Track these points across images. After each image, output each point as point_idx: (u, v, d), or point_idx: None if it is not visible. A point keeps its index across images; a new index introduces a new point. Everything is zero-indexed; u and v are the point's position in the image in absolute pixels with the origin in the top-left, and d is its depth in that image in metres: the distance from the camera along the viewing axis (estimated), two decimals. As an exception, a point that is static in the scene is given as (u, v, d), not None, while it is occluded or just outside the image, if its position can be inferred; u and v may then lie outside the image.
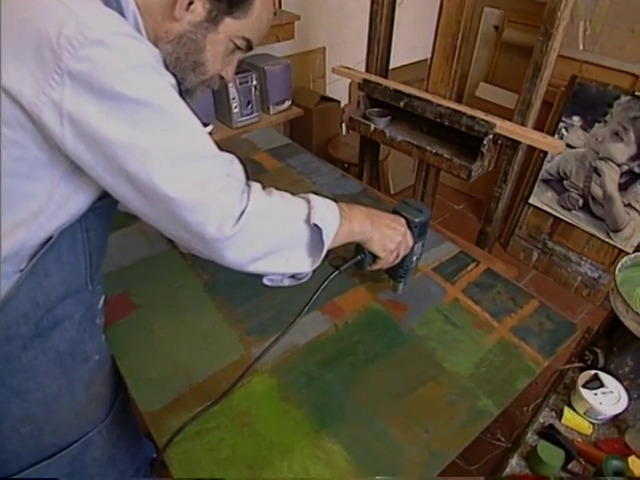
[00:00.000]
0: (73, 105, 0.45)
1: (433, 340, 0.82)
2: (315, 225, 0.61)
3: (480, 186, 2.44)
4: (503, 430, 1.18)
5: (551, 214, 1.97)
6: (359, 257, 0.76)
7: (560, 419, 0.77)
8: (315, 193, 0.66)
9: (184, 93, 0.62)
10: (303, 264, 0.64)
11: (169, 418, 0.68)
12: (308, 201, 0.63)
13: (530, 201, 2.01)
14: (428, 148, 1.33)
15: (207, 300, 0.88)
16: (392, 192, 2.49)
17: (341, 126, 2.37)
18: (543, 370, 0.78)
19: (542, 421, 0.78)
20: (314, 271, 0.67)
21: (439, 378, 0.75)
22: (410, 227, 0.76)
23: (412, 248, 0.78)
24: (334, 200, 0.67)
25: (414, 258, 0.80)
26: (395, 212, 0.77)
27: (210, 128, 1.74)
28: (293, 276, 0.69)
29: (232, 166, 0.57)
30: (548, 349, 0.81)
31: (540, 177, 1.94)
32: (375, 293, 0.91)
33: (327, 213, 0.63)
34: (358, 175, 1.80)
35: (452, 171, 1.28)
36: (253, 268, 0.59)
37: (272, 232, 0.58)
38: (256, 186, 0.59)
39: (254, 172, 1.31)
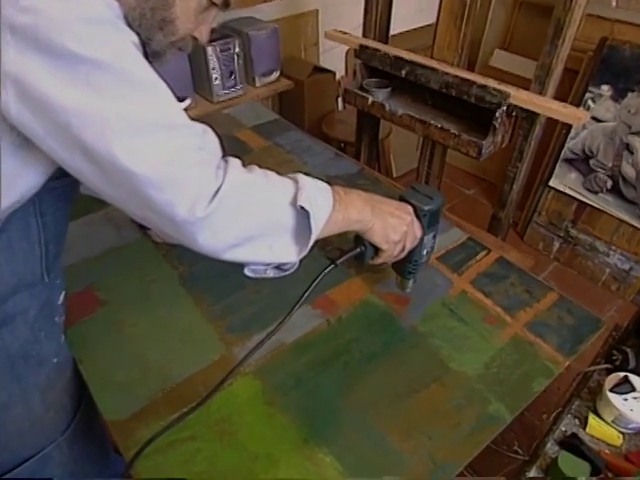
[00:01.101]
0: (16, 65, 0.44)
1: (438, 337, 0.82)
2: (302, 209, 0.60)
3: (494, 168, 2.43)
4: (521, 441, 1.19)
5: (575, 198, 1.97)
6: (358, 249, 0.75)
7: (584, 428, 0.77)
8: (306, 175, 0.65)
9: (151, 56, 0.61)
10: (288, 253, 0.63)
11: (138, 428, 0.68)
12: (296, 181, 0.62)
13: (551, 184, 2.01)
14: (433, 123, 1.32)
15: (183, 294, 0.88)
16: (395, 175, 2.49)
17: (337, 101, 2.36)
18: (564, 371, 0.78)
19: (564, 430, 0.78)
20: (301, 261, 0.67)
21: (444, 379, 0.75)
22: (418, 216, 0.75)
23: (421, 240, 0.77)
24: (328, 183, 0.66)
25: (424, 252, 0.79)
26: (402, 199, 0.76)
27: (187, 103, 1.72)
28: (278, 267, 0.69)
29: (205, 138, 0.56)
30: (569, 347, 0.81)
31: (562, 156, 1.94)
32: (373, 285, 0.91)
33: (317, 196, 0.62)
34: (355, 155, 1.79)
35: (460, 149, 1.28)
36: (231, 256, 0.59)
37: (252, 214, 0.58)
38: (234, 162, 0.58)
39: (237, 152, 1.30)
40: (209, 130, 0.58)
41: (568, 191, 1.98)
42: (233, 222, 0.56)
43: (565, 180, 1.97)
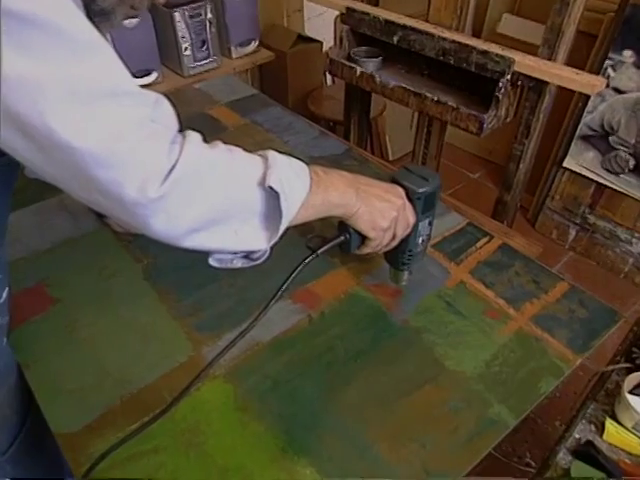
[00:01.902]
0: None
1: (432, 333, 0.82)
2: (272, 189, 0.60)
3: (502, 148, 2.44)
4: (534, 453, 1.20)
5: (592, 180, 1.97)
6: (342, 237, 0.74)
7: (601, 434, 0.78)
8: (302, 160, 0.65)
9: (97, 15, 0.59)
10: (257, 239, 0.63)
11: (92, 441, 0.68)
12: (265, 159, 0.61)
13: (565, 164, 2.01)
14: (428, 95, 1.32)
15: (147, 289, 0.88)
16: (391, 158, 2.49)
17: (325, 75, 2.35)
18: (578, 372, 0.78)
19: (577, 437, 0.79)
20: (272, 249, 0.66)
21: (439, 380, 0.75)
22: (411, 199, 0.74)
23: (415, 227, 0.77)
24: (305, 162, 0.66)
25: (419, 240, 0.79)
26: (393, 181, 0.75)
27: (154, 77, 1.71)
28: (247, 255, 0.68)
29: (158, 108, 0.55)
30: (581, 343, 0.81)
31: (578, 133, 1.94)
32: (360, 276, 0.91)
33: (291, 176, 0.61)
34: (345, 136, 1.79)
35: (459, 124, 1.28)
36: (191, 243, 0.58)
37: (213, 196, 0.57)
38: (193, 136, 0.57)
39: (209, 131, 1.29)
40: (163, 99, 0.57)
41: (585, 172, 1.98)
42: (191, 204, 0.55)
43: (581, 160, 1.97)
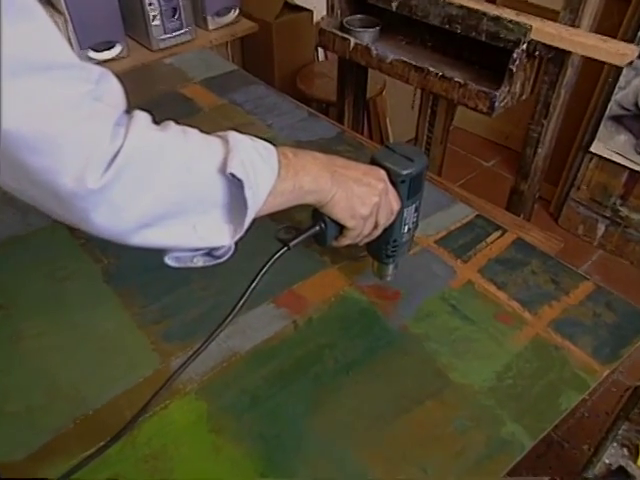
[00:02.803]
0: None
1: (435, 340, 0.82)
2: (234, 177, 0.59)
3: (519, 132, 2.45)
4: (563, 483, 1.19)
5: (625, 167, 1.98)
6: (317, 228, 0.74)
7: (635, 459, 0.77)
8: (269, 141, 0.64)
9: None
10: (219, 234, 0.63)
11: (41, 470, 0.67)
12: (226, 141, 0.61)
13: (592, 149, 2.02)
14: (432, 70, 1.32)
15: (107, 294, 0.88)
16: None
17: (316, 49, 2.35)
18: (607, 386, 0.78)
19: (608, 462, 0.79)
20: (236, 244, 0.66)
21: (444, 394, 0.75)
22: (394, 183, 0.75)
23: (399, 214, 0.77)
24: (272, 143, 0.65)
25: (405, 228, 0.80)
26: (373, 162, 0.76)
27: (117, 51, 1.71)
28: (209, 252, 0.68)
29: (103, 85, 0.55)
30: (608, 352, 0.81)
31: (608, 113, 1.94)
32: (352, 276, 0.91)
33: (255, 159, 0.61)
34: (338, 118, 1.79)
35: (467, 102, 1.28)
36: (141, 240, 0.58)
37: (165, 185, 0.56)
38: (140, 116, 0.57)
39: (181, 112, 1.30)
40: (109, 74, 0.56)
41: (616, 158, 1.98)
42: (139, 195, 0.54)
43: (612, 144, 1.98)
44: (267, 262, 0.71)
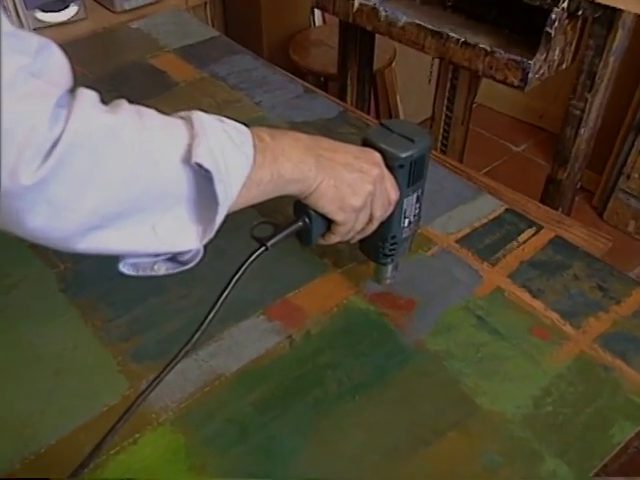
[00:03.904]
0: None
1: (458, 359, 0.82)
2: (201, 167, 0.59)
3: (556, 110, 2.45)
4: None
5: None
6: (300, 223, 0.74)
7: None
8: (242, 122, 0.64)
9: None
10: (184, 236, 0.62)
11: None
12: (190, 124, 0.61)
13: (644, 131, 2.03)
14: (452, 35, 1.32)
15: (64, 305, 0.87)
16: (406, 124, 2.50)
17: (312, 12, 2.36)
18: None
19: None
20: (205, 247, 0.65)
21: (469, 424, 0.75)
22: (391, 167, 0.75)
23: (399, 205, 0.77)
24: (245, 124, 0.65)
25: (405, 222, 0.80)
26: (366, 143, 0.76)
27: (73, 12, 1.71)
28: (173, 258, 0.68)
29: (43, 58, 0.54)
30: (668, 373, 0.81)
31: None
32: (358, 282, 0.91)
33: (226, 144, 0.60)
34: (339, 95, 1.79)
35: (494, 74, 1.28)
36: (89, 245, 0.57)
37: (117, 179, 0.55)
38: (85, 95, 0.56)
39: (152, 87, 1.31)
40: (51, 45, 0.55)
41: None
42: (85, 192, 0.53)
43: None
44: (240, 267, 0.70)
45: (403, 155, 0.74)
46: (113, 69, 1.36)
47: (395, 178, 0.75)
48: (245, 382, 0.79)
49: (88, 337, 0.84)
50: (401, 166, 0.75)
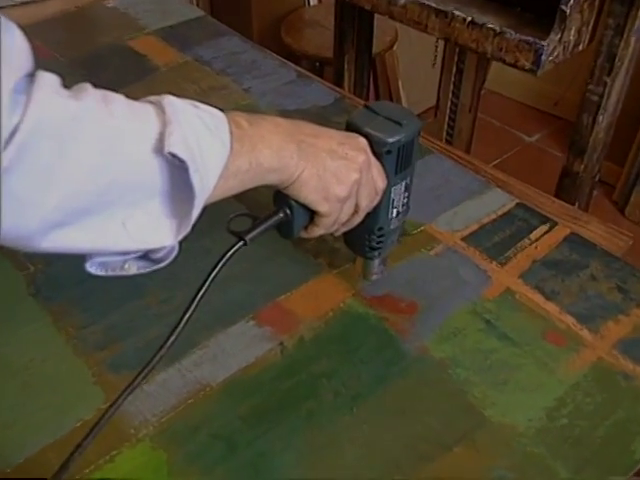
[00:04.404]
0: None
1: (465, 367, 0.82)
2: (174, 156, 0.59)
3: (573, 97, 2.45)
4: None
5: None
6: (280, 215, 0.74)
7: None
8: (216, 107, 0.64)
9: None
10: (158, 232, 0.62)
11: None
12: (161, 109, 0.61)
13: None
14: (458, 14, 1.32)
15: (34, 310, 0.87)
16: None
17: (307, -11, 2.36)
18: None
19: None
20: (180, 243, 0.65)
21: (477, 438, 0.75)
22: (378, 154, 0.75)
23: (385, 194, 0.78)
24: (220, 109, 0.65)
25: (393, 213, 0.80)
26: (350, 128, 0.76)
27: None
28: (145, 256, 0.67)
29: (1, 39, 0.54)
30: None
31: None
32: (356, 284, 0.91)
33: (202, 132, 0.61)
34: (336, 80, 1.79)
35: (504, 57, 1.28)
36: (53, 243, 0.57)
37: (82, 171, 0.55)
38: (46, 79, 0.55)
39: (129, 73, 1.31)
40: (10, 26, 0.55)
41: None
42: (47, 185, 0.53)
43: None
44: (217, 263, 0.70)
45: (390, 140, 0.75)
46: (87, 52, 1.36)
47: (382, 165, 0.76)
48: (233, 393, 0.79)
49: (60, 345, 0.83)
50: (388, 152, 0.75)
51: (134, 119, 0.59)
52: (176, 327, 0.68)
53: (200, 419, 0.77)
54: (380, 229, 0.81)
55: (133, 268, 0.68)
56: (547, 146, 2.47)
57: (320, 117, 1.19)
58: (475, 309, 0.88)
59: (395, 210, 0.81)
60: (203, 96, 1.23)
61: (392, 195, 0.79)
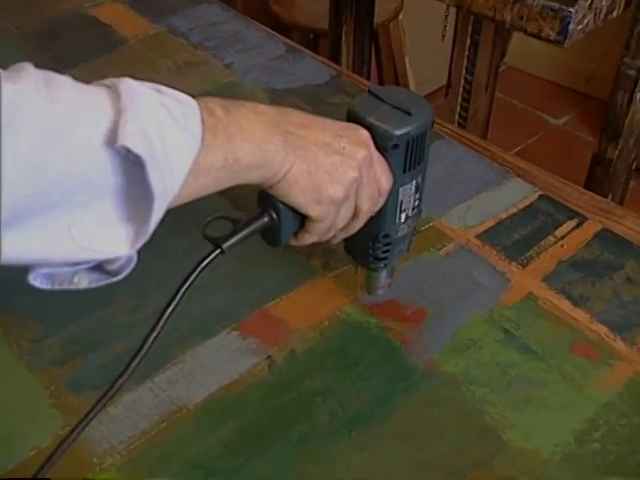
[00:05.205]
0: None
1: (480, 384, 0.82)
2: (130, 151, 0.59)
3: (606, 73, 2.45)
4: None
5: None
6: (265, 219, 0.73)
7: None
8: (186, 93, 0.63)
9: None
10: (110, 240, 0.61)
11: None
12: (117, 94, 0.60)
13: None
14: (474, -23, 1.32)
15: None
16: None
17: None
18: None
19: None
20: (139, 252, 0.64)
21: (495, 465, 0.75)
22: (383, 148, 0.74)
23: (391, 195, 0.77)
24: (191, 95, 0.64)
25: (401, 217, 0.79)
26: (351, 118, 0.75)
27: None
28: (99, 267, 0.67)
29: None
30: None
31: None
32: (355, 288, 0.91)
33: (165, 122, 0.60)
34: (332, 55, 1.80)
35: (526, 27, 1.28)
36: None
37: (21, 166, 0.55)
38: None
39: (92, 46, 1.30)
40: None
41: None
42: None
43: None
44: (189, 275, 0.69)
45: (397, 132, 0.73)
46: (44, 23, 1.36)
47: (388, 162, 0.75)
48: (212, 415, 0.79)
49: (12, 362, 0.83)
50: (395, 146, 0.74)
51: (82, 105, 0.58)
52: (139, 350, 0.68)
53: (175, 445, 0.76)
54: (386, 236, 0.80)
55: (84, 281, 0.66)
56: (576, 130, 2.47)
57: (313, 98, 1.18)
58: (492, 317, 0.88)
59: (404, 214, 0.80)
60: (178, 73, 1.23)
61: (400, 197, 0.78)
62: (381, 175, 0.75)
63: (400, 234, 0.81)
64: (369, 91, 0.77)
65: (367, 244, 0.81)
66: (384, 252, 0.81)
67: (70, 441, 0.65)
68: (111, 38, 1.32)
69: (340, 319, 0.88)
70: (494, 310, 0.89)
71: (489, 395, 0.81)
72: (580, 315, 0.89)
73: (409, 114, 0.74)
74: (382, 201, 0.77)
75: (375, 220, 0.78)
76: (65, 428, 0.77)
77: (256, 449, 0.76)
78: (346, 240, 0.82)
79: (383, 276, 0.85)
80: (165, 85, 0.63)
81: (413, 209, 0.80)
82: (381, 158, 0.74)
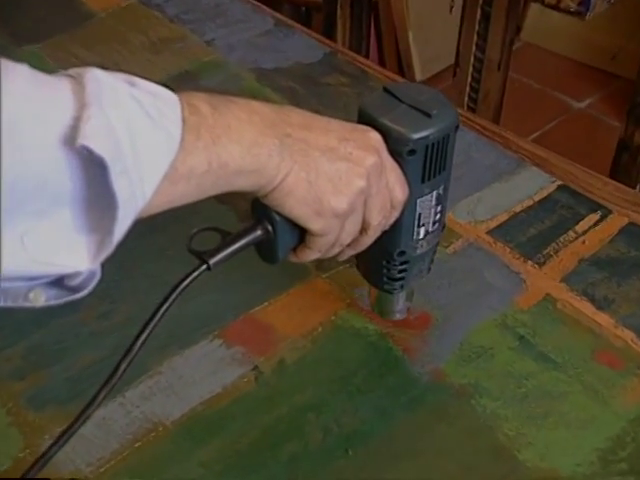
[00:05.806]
0: None
1: (493, 396, 0.82)
2: (92, 152, 0.58)
3: (634, 49, 2.46)
4: None
5: None
6: (258, 232, 0.72)
7: None
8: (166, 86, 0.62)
9: None
10: (69, 252, 0.60)
11: None
12: (81, 86, 0.60)
13: None
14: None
15: None
16: (418, 75, 2.51)
17: None
18: None
19: None
20: (103, 266, 0.64)
21: (509, 486, 0.76)
22: (397, 154, 0.73)
23: (409, 207, 0.76)
24: (170, 88, 0.62)
25: (420, 233, 0.78)
26: (362, 118, 0.74)
27: None
28: (59, 281, 0.66)
29: None
30: None
31: None
32: (351, 290, 0.92)
33: (136, 119, 0.58)
34: (325, 30, 1.80)
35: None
36: None
37: None
38: None
39: (58, 20, 1.31)
40: None
41: None
42: None
43: None
44: (171, 292, 0.69)
45: (415, 136, 0.72)
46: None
47: (403, 170, 0.74)
48: (193, 433, 0.79)
49: (-34, 375, 0.84)
50: (412, 152, 0.73)
51: (38, 98, 0.57)
52: (111, 377, 0.67)
53: (150, 467, 0.77)
54: (402, 254, 0.79)
55: (40, 298, 0.65)
56: (601, 113, 2.47)
57: (305, 78, 1.18)
58: (505, 322, 0.89)
59: (422, 229, 0.78)
60: (152, 50, 1.23)
61: (418, 209, 0.76)
62: (394, 185, 0.73)
63: (419, 252, 0.80)
64: (384, 88, 0.75)
65: (381, 262, 0.80)
66: (400, 272, 0.80)
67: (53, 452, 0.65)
68: (78, 11, 1.32)
69: (335, 325, 0.88)
70: (507, 314, 0.89)
71: (502, 409, 0.81)
72: (604, 319, 0.89)
73: (429, 116, 0.72)
74: (396, 214, 0.76)
75: (389, 236, 0.77)
76: (26, 449, 0.77)
77: (241, 470, 0.76)
78: (357, 257, 0.81)
79: (400, 299, 0.84)
80: (139, 67, 0.62)
81: (434, 223, 0.79)
82: (395, 165, 0.73)
